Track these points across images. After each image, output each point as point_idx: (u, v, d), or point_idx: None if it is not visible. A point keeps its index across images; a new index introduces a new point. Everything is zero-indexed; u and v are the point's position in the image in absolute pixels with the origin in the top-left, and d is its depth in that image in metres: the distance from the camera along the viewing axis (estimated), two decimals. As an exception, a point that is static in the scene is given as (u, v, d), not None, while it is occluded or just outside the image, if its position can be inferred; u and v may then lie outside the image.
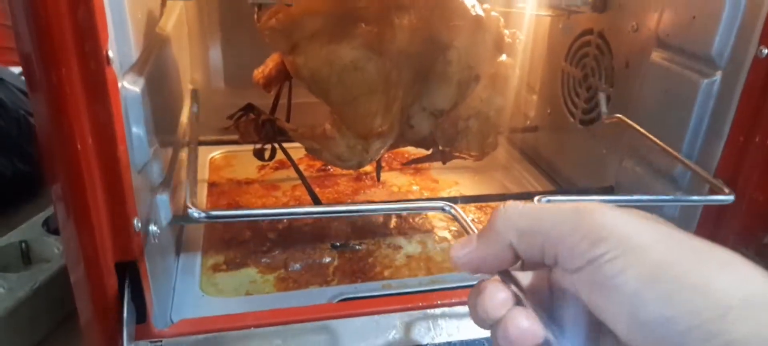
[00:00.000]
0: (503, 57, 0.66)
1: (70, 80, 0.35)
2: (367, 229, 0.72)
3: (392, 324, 0.51)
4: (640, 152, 0.66)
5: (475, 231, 0.30)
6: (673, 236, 0.23)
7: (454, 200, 0.76)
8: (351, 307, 0.53)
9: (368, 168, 0.84)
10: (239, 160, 0.91)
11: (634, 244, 0.22)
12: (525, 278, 0.28)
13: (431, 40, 0.59)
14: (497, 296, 0.26)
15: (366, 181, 0.86)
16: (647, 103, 0.64)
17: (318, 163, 0.90)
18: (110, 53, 0.37)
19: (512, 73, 0.66)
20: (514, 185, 0.89)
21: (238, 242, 0.68)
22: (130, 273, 0.43)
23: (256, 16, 0.64)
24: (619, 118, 0.65)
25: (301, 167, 0.85)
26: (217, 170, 0.88)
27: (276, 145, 0.71)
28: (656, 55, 0.63)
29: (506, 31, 0.65)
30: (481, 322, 0.27)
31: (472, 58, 0.62)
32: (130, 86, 0.42)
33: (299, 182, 0.72)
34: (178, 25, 0.77)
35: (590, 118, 0.77)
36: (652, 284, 0.21)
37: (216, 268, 0.63)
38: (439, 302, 0.53)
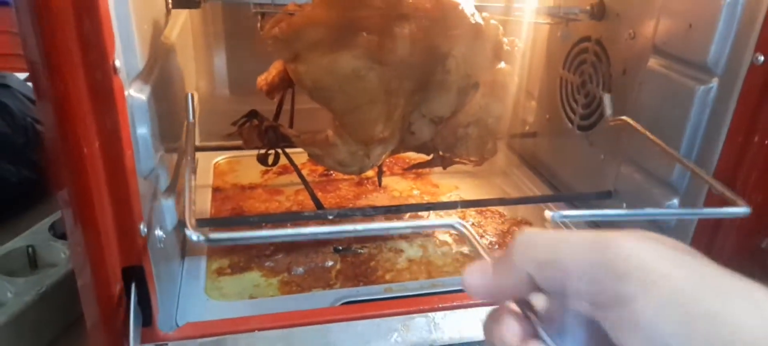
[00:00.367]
0: (502, 64, 0.67)
1: (77, 89, 0.36)
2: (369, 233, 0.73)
3: (394, 327, 0.52)
4: (638, 158, 0.67)
5: (486, 253, 0.29)
6: (709, 273, 0.22)
7: (454, 204, 0.77)
8: (353, 310, 0.54)
9: (370, 173, 0.85)
10: (243, 165, 0.92)
11: (668, 284, 0.21)
12: (542, 299, 0.27)
13: (431, 49, 0.60)
14: (514, 327, 0.26)
15: (367, 185, 0.87)
16: (645, 109, 0.65)
17: (320, 168, 0.91)
18: (117, 63, 0.38)
19: (511, 81, 0.67)
20: (514, 190, 0.90)
21: (242, 246, 0.69)
22: (136, 278, 0.44)
23: (259, 25, 0.65)
24: (624, 120, 0.64)
25: (304, 172, 0.86)
26: (222, 175, 0.89)
27: (279, 151, 0.72)
28: (653, 63, 0.64)
29: (505, 39, 0.66)
30: None
31: (471, 66, 0.63)
32: (136, 94, 0.43)
33: (302, 186, 0.73)
34: (183, 33, 0.79)
35: (588, 124, 0.78)
36: (670, 314, 0.21)
37: (220, 271, 0.64)
38: (440, 305, 0.54)
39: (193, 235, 0.40)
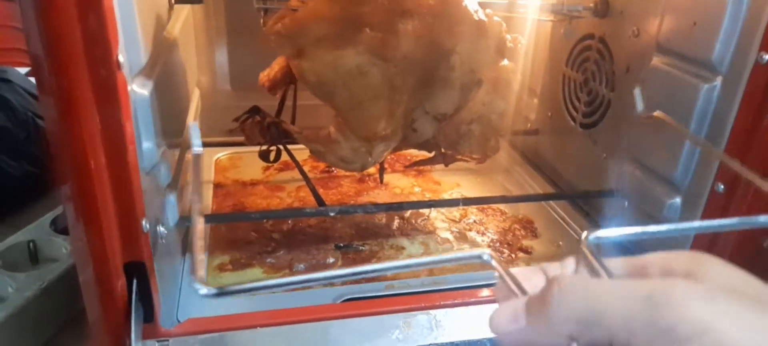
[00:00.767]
0: (505, 61, 0.66)
1: (81, 84, 0.36)
2: (371, 230, 0.73)
3: (395, 324, 0.52)
4: (640, 157, 0.67)
5: (519, 290, 0.26)
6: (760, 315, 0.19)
7: (455, 202, 0.77)
8: (354, 307, 0.54)
9: (371, 170, 0.85)
10: (245, 161, 0.91)
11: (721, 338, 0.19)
12: None
13: (434, 45, 0.60)
14: None
15: (369, 182, 0.87)
16: (648, 108, 0.64)
17: (322, 165, 0.91)
18: (120, 58, 0.38)
19: (514, 78, 0.66)
20: (516, 188, 0.89)
21: (244, 243, 0.69)
22: (138, 274, 0.44)
23: (262, 21, 0.65)
24: (658, 116, 0.60)
25: (306, 168, 0.86)
26: (223, 171, 0.89)
27: (281, 147, 0.72)
28: (657, 61, 0.63)
29: (508, 36, 0.66)
30: None
31: (475, 63, 0.63)
32: (139, 90, 0.43)
33: (303, 183, 0.73)
34: (186, 28, 0.78)
35: (591, 122, 0.78)
36: None
37: (222, 268, 0.64)
38: (441, 302, 0.54)
39: (202, 289, 0.36)
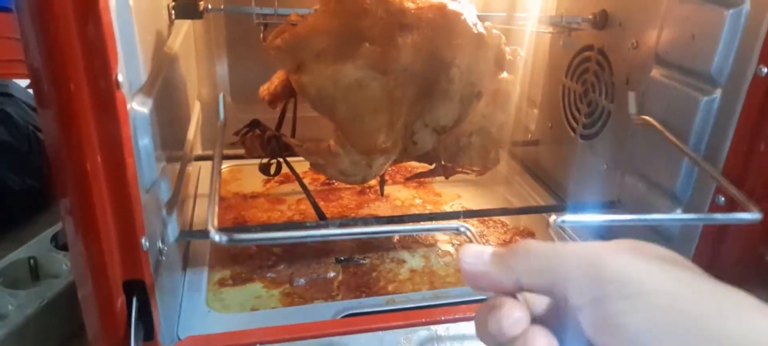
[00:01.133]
0: (504, 74, 0.66)
1: (80, 104, 0.36)
2: (371, 243, 0.73)
3: (396, 340, 0.52)
4: (641, 168, 0.67)
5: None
6: (687, 279, 0.23)
7: (456, 215, 0.77)
8: (355, 323, 0.54)
9: (372, 182, 0.85)
10: (245, 174, 0.91)
11: (645, 289, 0.23)
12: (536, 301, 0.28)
13: (434, 58, 0.60)
14: (514, 313, 0.26)
15: (370, 195, 0.87)
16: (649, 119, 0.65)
17: (322, 177, 0.91)
18: (120, 77, 0.38)
19: (513, 90, 0.66)
20: (516, 199, 0.89)
21: (245, 257, 0.69)
22: (138, 292, 0.44)
23: (262, 35, 0.65)
24: (646, 120, 0.63)
25: (306, 181, 0.86)
26: (224, 184, 0.89)
27: (281, 161, 0.72)
28: (656, 72, 0.64)
29: (507, 48, 0.66)
30: (490, 338, 0.27)
31: (474, 76, 0.63)
32: (138, 108, 0.43)
33: (304, 195, 0.73)
34: (186, 41, 0.79)
35: (591, 133, 0.78)
36: (661, 331, 0.22)
37: (222, 283, 0.64)
38: (442, 317, 0.54)
39: (216, 235, 0.44)
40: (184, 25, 0.76)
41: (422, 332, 0.52)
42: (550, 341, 0.25)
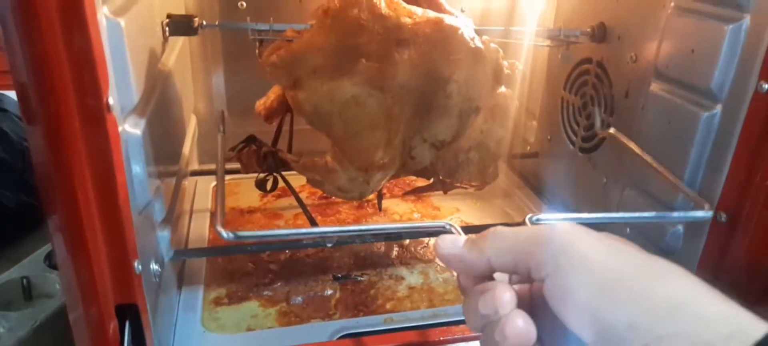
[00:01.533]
0: (502, 88, 0.66)
1: (69, 123, 0.35)
2: (369, 260, 0.72)
3: (394, 362, 0.51)
4: (641, 183, 0.66)
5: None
6: (624, 252, 0.28)
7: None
8: (351, 344, 0.53)
9: (370, 196, 0.84)
10: (242, 188, 0.91)
11: (589, 260, 0.27)
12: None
13: (431, 73, 0.59)
14: (505, 294, 0.29)
15: (368, 209, 0.86)
16: (649, 133, 0.64)
17: (320, 191, 0.90)
18: (110, 100, 0.37)
19: (511, 104, 0.66)
20: (515, 212, 0.89)
21: (241, 275, 0.68)
22: (130, 316, 0.43)
23: (257, 51, 0.64)
24: (612, 133, 0.67)
25: (303, 194, 0.85)
26: (220, 199, 0.88)
27: (277, 176, 0.71)
28: (655, 86, 0.63)
29: (505, 62, 0.65)
30: (479, 319, 0.30)
31: (472, 90, 0.62)
32: (131, 129, 0.43)
33: (301, 210, 0.72)
34: (182, 57, 0.78)
35: (591, 146, 0.77)
36: (602, 292, 0.26)
37: (218, 301, 0.63)
38: (440, 338, 0.53)
39: (224, 233, 0.49)
40: (179, 41, 0.76)
41: (420, 354, 0.52)
42: (526, 320, 0.28)
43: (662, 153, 0.60)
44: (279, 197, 0.88)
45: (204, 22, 0.66)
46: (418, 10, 0.60)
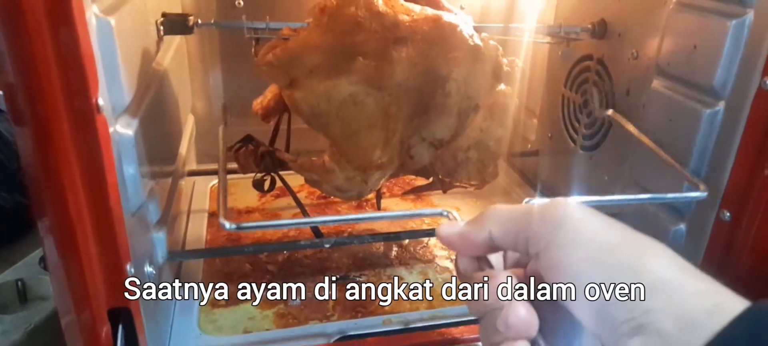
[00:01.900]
0: (502, 86, 0.65)
1: (57, 124, 0.35)
2: (368, 260, 0.72)
3: (392, 364, 0.50)
4: (642, 181, 0.65)
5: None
6: (616, 226, 0.28)
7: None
8: (350, 347, 0.52)
9: (369, 196, 0.84)
10: (240, 188, 0.90)
11: (583, 232, 0.28)
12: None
13: (430, 72, 0.58)
14: (508, 282, 0.29)
15: (367, 208, 0.86)
16: (650, 131, 0.63)
17: (318, 191, 0.89)
18: (100, 101, 0.36)
19: (511, 102, 0.65)
20: (517, 211, 0.88)
21: (239, 276, 0.67)
22: (123, 320, 0.42)
23: (253, 50, 0.63)
24: (610, 115, 0.67)
25: (302, 194, 0.85)
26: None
27: (275, 176, 0.70)
28: (657, 84, 0.62)
29: (504, 60, 0.65)
30: (482, 306, 0.30)
31: (471, 89, 0.62)
32: (122, 130, 0.42)
33: (300, 210, 0.72)
34: (178, 55, 0.77)
35: (592, 144, 0.76)
36: (594, 264, 0.27)
37: (215, 303, 0.62)
38: (439, 339, 0.52)
39: (226, 224, 0.50)
40: (176, 40, 0.75)
41: (419, 356, 0.51)
42: (529, 309, 0.29)
43: (664, 151, 0.59)
44: (277, 197, 0.87)
45: (199, 21, 0.65)
46: (416, 8, 0.59)
